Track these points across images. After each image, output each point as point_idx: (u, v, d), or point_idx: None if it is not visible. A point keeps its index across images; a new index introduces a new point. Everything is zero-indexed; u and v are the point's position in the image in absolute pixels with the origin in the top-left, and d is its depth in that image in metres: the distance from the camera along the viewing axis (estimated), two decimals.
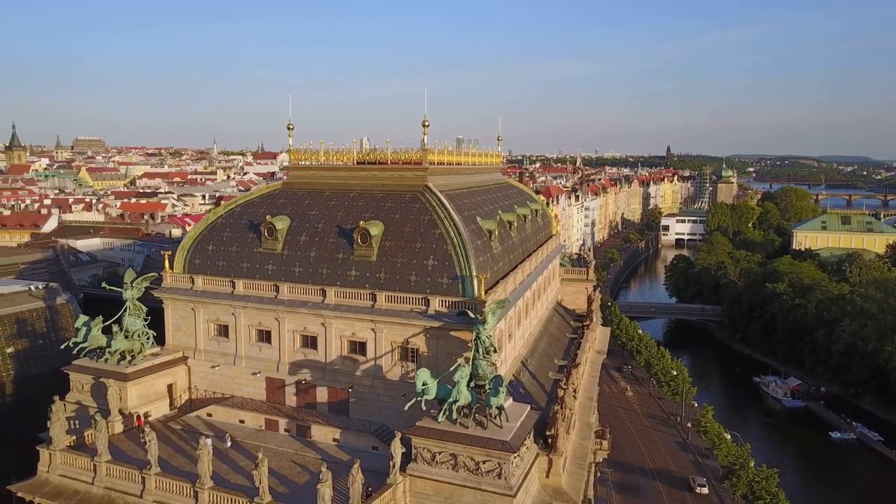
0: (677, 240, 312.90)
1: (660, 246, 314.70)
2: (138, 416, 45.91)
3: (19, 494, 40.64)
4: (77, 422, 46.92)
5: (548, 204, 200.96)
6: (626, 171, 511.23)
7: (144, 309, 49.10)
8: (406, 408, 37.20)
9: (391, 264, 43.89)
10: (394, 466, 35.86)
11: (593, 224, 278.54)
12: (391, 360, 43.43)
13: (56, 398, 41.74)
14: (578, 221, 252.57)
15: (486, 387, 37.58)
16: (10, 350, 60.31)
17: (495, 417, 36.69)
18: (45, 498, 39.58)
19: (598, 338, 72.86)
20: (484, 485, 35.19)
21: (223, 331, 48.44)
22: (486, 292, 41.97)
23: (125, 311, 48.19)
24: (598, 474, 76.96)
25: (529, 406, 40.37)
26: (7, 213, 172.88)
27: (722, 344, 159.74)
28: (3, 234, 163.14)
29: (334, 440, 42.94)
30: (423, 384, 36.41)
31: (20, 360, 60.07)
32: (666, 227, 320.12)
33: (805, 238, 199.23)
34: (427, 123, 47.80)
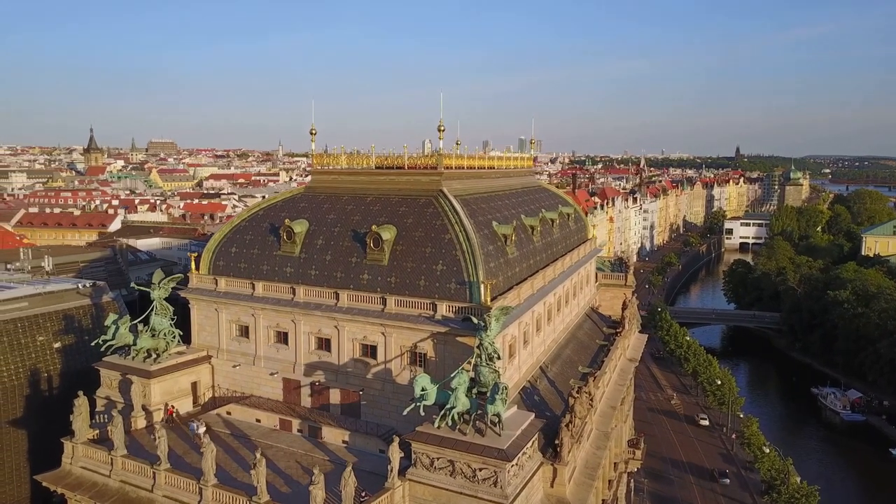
0: (741, 244, 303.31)
1: (723, 250, 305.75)
2: (168, 407, 47.57)
3: (44, 484, 42.74)
4: (106, 416, 49.09)
5: (602, 206, 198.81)
6: (690, 172, 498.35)
7: (171, 308, 50.81)
8: (405, 412, 37.34)
9: (402, 269, 44.12)
10: (391, 471, 36.08)
11: (652, 227, 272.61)
12: (400, 364, 43.66)
13: (80, 393, 43.70)
14: (636, 224, 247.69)
15: (488, 394, 37.33)
16: (57, 345, 63.09)
17: (495, 425, 36.43)
18: (67, 489, 41.48)
19: (631, 345, 71.38)
20: (480, 492, 35.00)
21: (244, 331, 49.63)
22: (494, 298, 41.81)
23: (152, 310, 49.99)
24: (632, 483, 75.40)
25: (533, 414, 39.85)
26: (77, 212, 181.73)
27: (781, 353, 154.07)
28: (73, 232, 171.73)
29: (343, 442, 43.45)
30: (422, 389, 36.50)
31: (66, 354, 62.77)
32: (729, 231, 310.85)
33: (875, 243, 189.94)
34: (442, 128, 47.86)
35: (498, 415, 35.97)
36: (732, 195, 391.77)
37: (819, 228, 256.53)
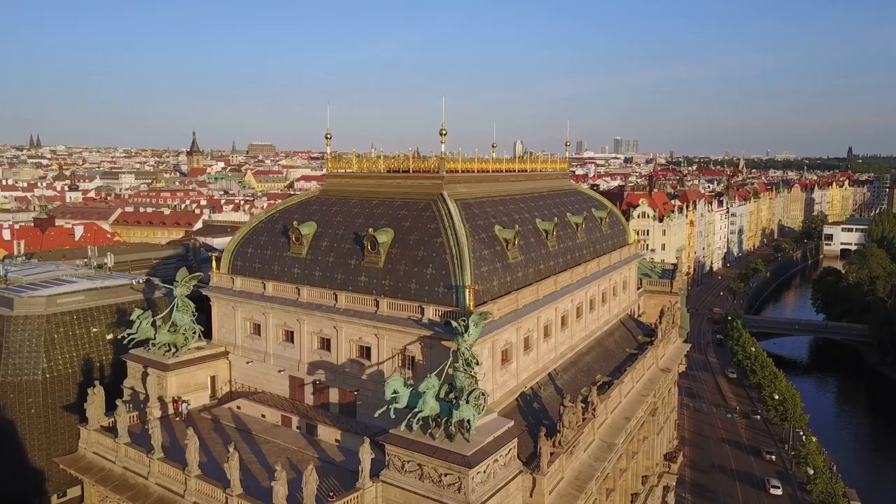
0: (843, 250, 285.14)
1: (821, 256, 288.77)
2: (175, 401, 49.98)
3: (62, 466, 45.91)
4: (131, 405, 52.15)
5: (681, 210, 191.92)
6: (792, 174, 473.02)
7: (192, 305, 53.32)
8: (376, 415, 37.72)
9: (395, 272, 44.51)
10: (362, 472, 36.52)
11: (741, 231, 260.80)
12: (392, 366, 44.06)
13: (96, 383, 46.63)
14: (722, 228, 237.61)
15: (465, 399, 37.09)
16: (109, 336, 67.13)
17: (466, 430, 36.18)
18: (79, 472, 44.41)
19: (668, 355, 68.72)
20: (445, 497, 34.85)
21: (257, 329, 51.40)
22: (483, 303, 41.58)
23: (174, 306, 52.68)
24: (670, 497, 72.46)
25: (512, 422, 39.24)
26: (168, 212, 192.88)
27: (870, 368, 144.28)
28: (163, 231, 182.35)
29: (336, 441, 44.30)
30: (394, 392, 36.71)
31: (118, 345, 66.78)
32: (829, 237, 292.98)
33: None
34: (444, 132, 47.84)
35: (464, 420, 35.70)
36: (836, 198, 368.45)
37: None
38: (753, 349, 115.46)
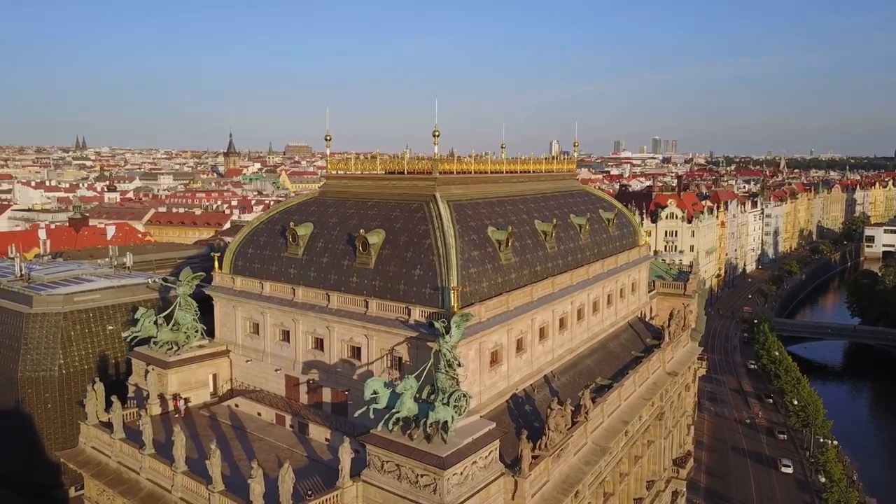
0: (885, 252, 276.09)
1: (862, 259, 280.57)
2: (174, 398, 50.99)
3: (62, 460, 47.22)
4: (135, 401, 53.46)
5: (712, 211, 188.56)
6: (834, 174, 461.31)
7: (195, 304, 54.37)
8: (356, 415, 37.97)
9: (385, 273, 44.73)
10: (342, 471, 36.80)
11: (776, 233, 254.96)
12: (381, 367, 44.28)
13: (96, 379, 47.85)
14: (756, 230, 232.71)
15: (443, 400, 37.12)
16: (125, 334, 68.93)
17: (444, 432, 36.18)
18: (77, 466, 45.62)
19: (676, 358, 67.62)
20: (421, 498, 34.93)
21: (255, 328, 52.14)
22: (470, 304, 41.56)
23: (176, 305, 53.78)
24: (675, 502, 71.33)
25: (493, 424, 39.13)
26: (199, 212, 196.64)
27: None
28: (194, 231, 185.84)
29: (326, 440, 44.68)
30: (374, 392, 36.92)
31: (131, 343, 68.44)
32: (870, 238, 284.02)
33: None
34: (437, 133, 47.85)
35: (439, 422, 35.66)
36: (879, 199, 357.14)
37: None
38: (778, 353, 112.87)
